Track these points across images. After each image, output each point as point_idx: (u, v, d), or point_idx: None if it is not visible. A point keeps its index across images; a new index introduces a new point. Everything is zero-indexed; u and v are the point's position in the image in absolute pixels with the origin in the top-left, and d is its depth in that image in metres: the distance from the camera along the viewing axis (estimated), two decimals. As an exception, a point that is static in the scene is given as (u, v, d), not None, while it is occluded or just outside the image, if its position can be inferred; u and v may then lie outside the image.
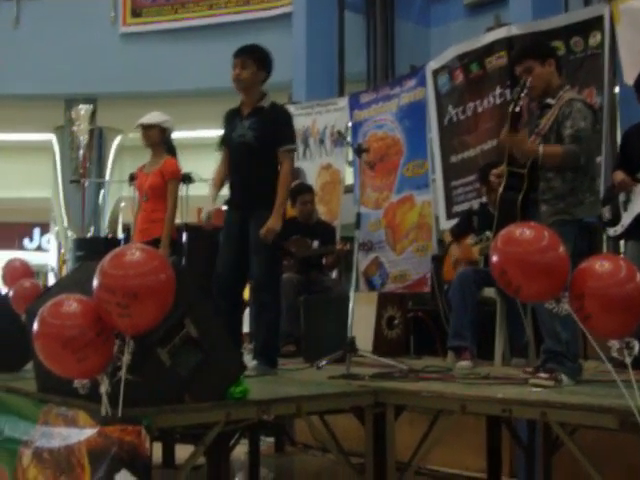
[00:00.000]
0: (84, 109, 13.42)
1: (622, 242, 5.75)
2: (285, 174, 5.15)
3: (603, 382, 4.04)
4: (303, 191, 7.48)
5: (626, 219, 5.18)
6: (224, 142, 5.39)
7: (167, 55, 12.16)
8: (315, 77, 10.29)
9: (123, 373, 3.06)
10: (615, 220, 5.26)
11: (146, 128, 6.26)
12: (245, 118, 5.23)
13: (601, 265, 3.32)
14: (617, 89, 6.52)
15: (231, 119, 5.32)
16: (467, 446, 5.43)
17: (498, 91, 7.05)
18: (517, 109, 4.41)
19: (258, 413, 3.80)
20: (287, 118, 5.31)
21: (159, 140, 6.27)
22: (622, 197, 5.19)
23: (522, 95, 4.42)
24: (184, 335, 3.49)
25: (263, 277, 5.15)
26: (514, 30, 7.01)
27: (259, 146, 5.14)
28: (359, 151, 5.99)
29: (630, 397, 3.06)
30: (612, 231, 5.34)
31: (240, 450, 5.85)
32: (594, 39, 6.42)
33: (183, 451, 4.76)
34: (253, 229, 5.09)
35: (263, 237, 5.02)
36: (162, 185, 6.14)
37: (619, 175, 5.20)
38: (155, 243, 5.76)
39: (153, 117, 6.29)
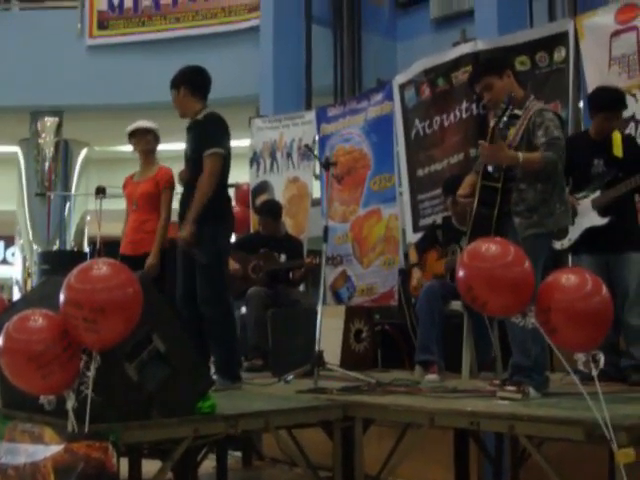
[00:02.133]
0: (50, 121, 13.31)
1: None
2: (203, 180, 5.05)
3: (570, 394, 4.06)
4: (265, 213, 7.54)
5: (574, 232, 5.24)
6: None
7: (133, 67, 12.11)
8: (282, 90, 10.30)
9: (89, 389, 3.04)
10: (561, 233, 5.29)
11: (142, 132, 6.18)
12: (187, 138, 5.33)
13: (567, 279, 3.36)
14: (582, 104, 6.58)
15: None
16: (435, 459, 5.43)
17: (464, 105, 7.08)
18: (500, 125, 4.45)
19: (226, 428, 3.79)
20: (215, 124, 5.23)
21: (153, 146, 6.21)
22: None
23: (505, 114, 4.44)
24: (151, 350, 3.48)
25: (204, 291, 5.12)
26: (480, 45, 7.05)
27: (195, 158, 5.17)
28: (327, 165, 6.01)
29: (596, 409, 3.08)
30: (559, 244, 5.37)
31: (207, 465, 5.82)
32: (559, 54, 6.47)
33: (150, 466, 4.73)
34: (194, 246, 5.10)
35: (179, 245, 5.06)
36: (156, 194, 6.03)
37: None
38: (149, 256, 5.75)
39: (148, 122, 6.23)
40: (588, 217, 5.16)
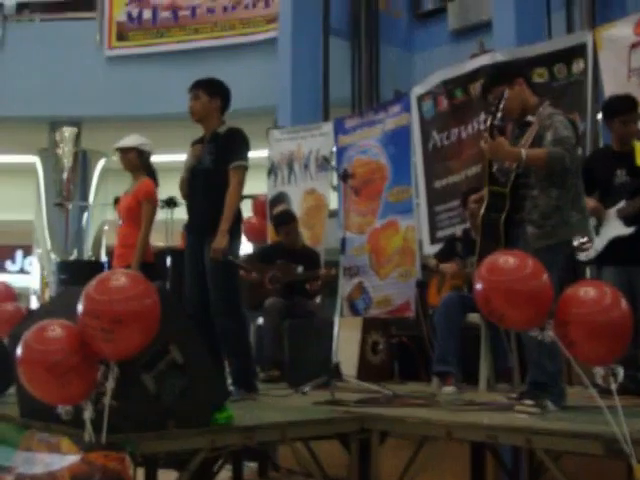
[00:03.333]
0: (68, 131, 13.38)
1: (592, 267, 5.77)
2: (232, 191, 5.13)
3: (588, 408, 4.04)
4: (285, 222, 7.52)
5: (599, 244, 5.20)
6: (185, 172, 5.42)
7: (152, 78, 12.17)
8: (300, 102, 10.31)
9: (107, 399, 3.05)
10: (585, 245, 5.28)
11: (123, 151, 6.23)
12: (204, 146, 5.33)
13: (585, 292, 3.35)
14: (600, 115, 6.56)
15: (195, 152, 5.40)
16: (452, 472, 5.40)
17: (482, 117, 7.07)
18: (495, 122, 4.43)
19: (242, 439, 3.79)
20: (240, 138, 5.31)
21: (137, 163, 6.22)
22: (593, 221, 5.22)
23: (499, 109, 4.43)
24: (169, 361, 3.48)
25: (219, 302, 5.15)
26: (498, 56, 7.04)
27: (215, 170, 5.22)
28: (345, 177, 6.01)
29: (615, 423, 3.06)
30: (584, 255, 5.36)
31: (224, 475, 5.81)
32: (577, 66, 6.47)
33: (165, 476, 4.73)
34: (207, 254, 5.11)
35: (212, 258, 5.03)
36: (137, 207, 6.06)
37: (590, 201, 5.23)
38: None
39: (130, 140, 6.26)
40: (613, 227, 5.12)
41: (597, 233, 5.21)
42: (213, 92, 5.36)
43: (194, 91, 5.37)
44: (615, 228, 5.11)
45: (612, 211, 5.13)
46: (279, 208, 8.78)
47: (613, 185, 5.15)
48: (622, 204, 5.10)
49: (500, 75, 4.76)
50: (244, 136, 5.33)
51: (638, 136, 5.28)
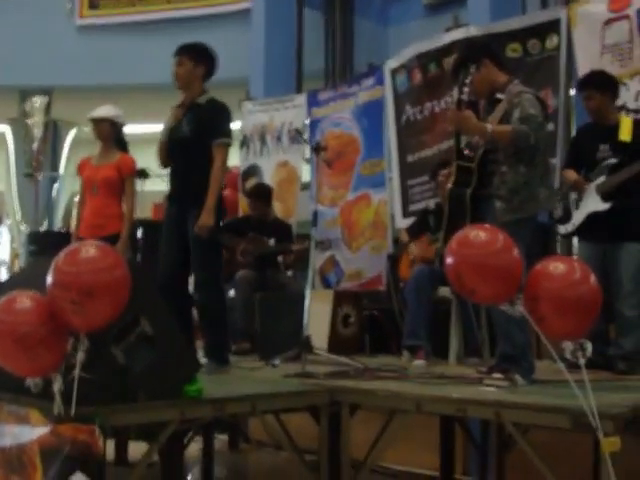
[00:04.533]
0: (39, 101, 13.25)
1: (575, 240, 5.82)
2: (217, 169, 5.09)
3: (556, 382, 4.07)
4: (255, 196, 7.55)
5: (577, 217, 5.23)
6: (163, 136, 5.35)
7: (124, 48, 12.05)
8: (273, 74, 10.25)
9: (77, 371, 3.03)
10: (566, 218, 5.31)
11: (97, 122, 6.22)
12: (183, 114, 5.25)
13: (555, 267, 3.37)
14: (572, 92, 6.58)
15: (174, 116, 5.31)
16: (421, 444, 5.45)
17: (455, 91, 7.07)
18: (463, 96, 4.46)
19: (213, 412, 3.79)
20: (223, 113, 5.25)
21: (110, 134, 6.22)
22: (574, 195, 5.25)
23: (466, 84, 4.47)
24: (139, 333, 3.47)
25: (202, 275, 5.14)
26: (472, 31, 7.03)
27: (195, 141, 5.15)
28: (317, 149, 5.99)
29: (583, 397, 3.09)
30: (563, 229, 5.40)
31: (194, 447, 5.83)
32: (551, 42, 6.46)
33: (136, 448, 4.73)
34: (191, 227, 5.07)
35: (197, 234, 5.00)
36: (117, 180, 6.08)
37: (572, 175, 5.26)
38: (111, 239, 5.66)
39: (104, 111, 6.25)
40: (591, 202, 5.13)
41: (577, 207, 5.23)
42: (198, 59, 5.25)
43: (178, 57, 5.25)
44: (593, 203, 5.12)
45: (592, 186, 5.14)
46: (252, 181, 8.76)
47: (596, 160, 5.16)
48: (601, 179, 5.11)
49: (467, 57, 4.77)
50: (228, 111, 5.27)
51: (599, 113, 5.28)
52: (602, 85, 5.26)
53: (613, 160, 5.08)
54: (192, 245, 5.10)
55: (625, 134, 5.10)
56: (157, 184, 6.07)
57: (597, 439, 3.11)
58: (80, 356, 3.06)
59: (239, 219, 8.09)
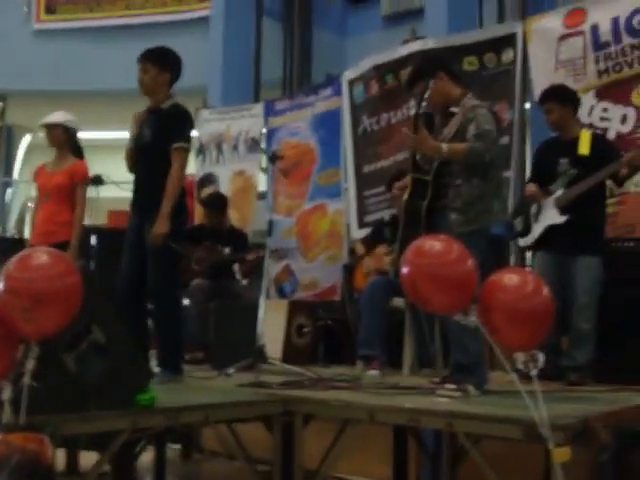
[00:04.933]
0: (-7, 105, 13.11)
1: (529, 255, 5.88)
2: (174, 174, 5.02)
3: (509, 393, 4.09)
4: (210, 205, 7.54)
5: (537, 230, 5.28)
6: (130, 142, 5.30)
7: (81, 54, 11.95)
8: (230, 82, 10.25)
9: (27, 379, 2.99)
10: (526, 231, 5.37)
11: (50, 128, 6.17)
12: (146, 120, 5.21)
13: (509, 278, 3.39)
14: (527, 105, 6.65)
15: (137, 122, 5.28)
16: (374, 455, 5.45)
17: (412, 103, 7.10)
18: (420, 111, 4.50)
19: (165, 421, 3.76)
20: (183, 117, 5.19)
21: (63, 140, 6.17)
22: (534, 209, 5.30)
23: (424, 99, 4.50)
24: (91, 341, 3.43)
25: (157, 284, 5.07)
26: (429, 43, 7.09)
27: (154, 146, 5.10)
28: (273, 158, 6.00)
29: (534, 408, 3.11)
30: (523, 242, 5.46)
31: (146, 457, 5.77)
32: (507, 56, 6.54)
33: (87, 458, 4.68)
34: (147, 234, 5.02)
35: (152, 242, 4.96)
36: (69, 187, 6.03)
37: (530, 187, 5.33)
38: (61, 247, 5.59)
39: (56, 116, 6.19)
40: (549, 215, 5.19)
41: (536, 220, 5.29)
42: (163, 64, 5.20)
43: (142, 63, 5.18)
44: (551, 216, 5.18)
45: (551, 199, 5.20)
46: (208, 190, 8.73)
47: (556, 173, 5.22)
48: (559, 192, 5.17)
49: (422, 70, 4.81)
50: (189, 116, 5.23)
51: (560, 126, 5.34)
52: (562, 98, 5.33)
53: (572, 173, 5.14)
54: (149, 254, 5.05)
55: (584, 148, 5.17)
56: (113, 191, 6.00)
57: (548, 450, 3.13)
58: (30, 364, 3.02)
59: (194, 227, 8.05)
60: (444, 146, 4.44)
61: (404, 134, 4.57)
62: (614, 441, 3.51)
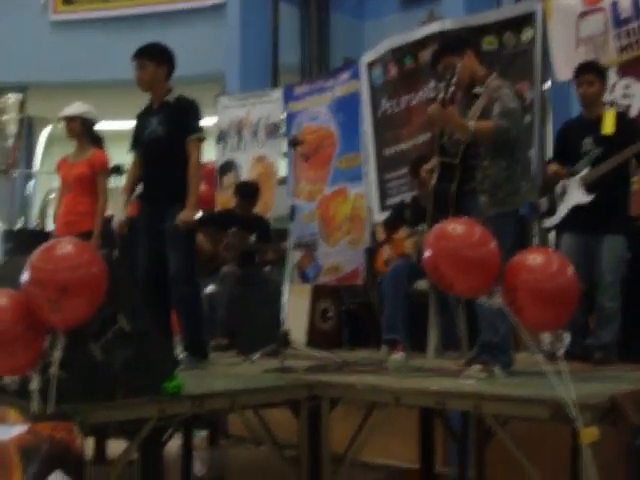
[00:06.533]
0: (13, 98, 13.12)
1: (552, 235, 5.84)
2: (194, 164, 5.13)
3: (535, 374, 4.08)
4: (243, 194, 7.54)
5: (562, 210, 5.25)
6: (135, 141, 5.38)
7: (99, 44, 11.95)
8: (249, 68, 10.22)
9: (54, 369, 3.01)
10: (551, 211, 5.34)
11: (68, 120, 6.22)
12: (153, 115, 5.27)
13: (533, 258, 3.38)
14: (547, 85, 6.60)
15: (142, 118, 5.36)
16: (400, 437, 5.47)
17: (431, 85, 7.08)
18: (447, 96, 4.46)
19: (192, 408, 3.78)
20: (193, 109, 5.27)
21: (82, 131, 6.22)
22: (559, 189, 5.27)
23: (451, 84, 4.47)
24: (117, 330, 3.45)
25: (180, 271, 5.12)
26: (447, 24, 7.05)
27: (169, 140, 5.16)
28: (294, 143, 5.99)
29: (561, 388, 3.11)
30: (548, 222, 5.43)
31: (173, 444, 5.80)
32: (526, 35, 6.48)
33: (114, 445, 4.71)
34: (169, 224, 5.08)
35: (179, 228, 5.01)
36: (90, 177, 6.09)
37: (553, 166, 5.30)
38: (83, 237, 5.61)
39: (74, 108, 6.24)
40: (575, 195, 5.16)
41: (561, 200, 5.26)
42: (159, 60, 5.26)
43: (139, 60, 5.25)
44: (576, 196, 5.15)
45: (576, 179, 5.16)
46: (230, 177, 8.75)
47: (580, 153, 5.19)
48: (585, 172, 5.14)
49: (450, 46, 4.79)
50: (198, 107, 5.29)
51: (594, 100, 5.28)
52: (602, 73, 5.30)
53: (596, 152, 5.10)
54: (170, 242, 5.10)
55: (608, 127, 5.13)
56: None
57: (574, 430, 3.13)
58: (57, 354, 3.04)
59: (223, 212, 8.08)
60: (471, 123, 4.42)
61: (432, 109, 4.53)
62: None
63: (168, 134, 5.17)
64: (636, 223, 5.40)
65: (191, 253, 5.24)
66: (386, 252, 6.29)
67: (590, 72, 5.27)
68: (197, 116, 5.26)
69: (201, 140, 5.21)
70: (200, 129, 5.24)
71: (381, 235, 6.51)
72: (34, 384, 3.06)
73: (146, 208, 5.29)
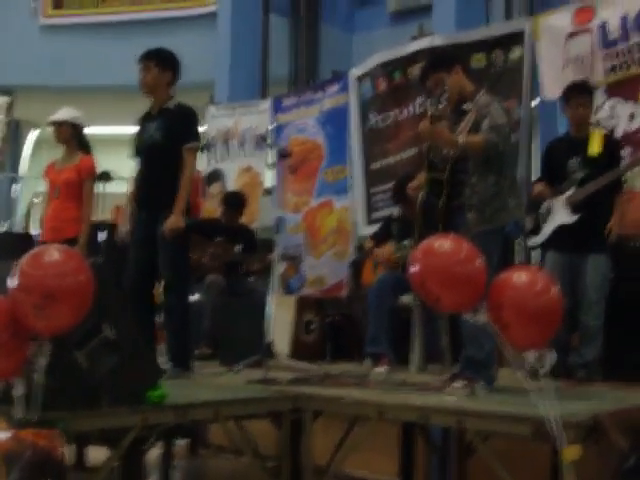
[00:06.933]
0: (0, 100, 13.10)
1: (536, 253, 5.88)
2: (187, 172, 5.13)
3: (518, 390, 4.09)
4: (230, 204, 7.52)
5: (547, 229, 5.30)
6: (136, 147, 5.37)
7: (88, 49, 11.94)
8: (238, 78, 10.24)
9: (39, 376, 3.01)
10: (536, 230, 5.38)
11: (57, 125, 6.21)
12: (152, 120, 5.27)
13: (519, 276, 3.40)
14: (535, 102, 6.64)
15: (142, 123, 5.36)
16: (382, 451, 5.46)
17: (419, 100, 7.11)
18: (436, 113, 4.48)
19: (175, 418, 3.78)
20: (192, 117, 5.28)
21: (71, 137, 6.21)
22: (544, 209, 5.31)
23: (441, 102, 4.49)
24: (102, 338, 3.44)
25: (171, 278, 5.14)
26: (437, 40, 7.08)
27: (167, 146, 5.16)
28: (282, 155, 6.00)
29: (543, 406, 3.12)
30: (532, 241, 5.47)
31: (154, 452, 5.78)
32: (514, 53, 6.53)
33: (94, 452, 4.69)
34: (160, 230, 5.07)
35: (166, 236, 5.01)
36: (77, 182, 6.08)
37: (538, 186, 5.35)
38: (69, 243, 5.60)
39: (63, 113, 6.24)
40: (560, 214, 5.22)
41: (545, 220, 5.30)
42: (165, 65, 5.27)
43: (145, 62, 5.25)
44: (562, 216, 5.20)
45: (562, 198, 5.22)
46: (216, 186, 8.74)
47: (566, 173, 5.23)
48: (571, 192, 5.18)
49: (439, 62, 4.81)
50: (196, 115, 5.31)
51: (585, 121, 5.33)
52: (592, 93, 5.35)
53: (581, 174, 5.15)
54: (161, 248, 5.10)
55: (595, 148, 5.18)
56: (120, 186, 6.03)
57: (555, 447, 3.14)
58: (42, 361, 3.03)
59: (209, 221, 8.06)
60: (461, 138, 4.44)
61: (421, 126, 4.55)
62: (635, 445, 3.49)
63: (165, 140, 5.17)
64: (621, 242, 5.44)
65: (182, 262, 5.22)
66: (379, 254, 6.28)
67: (584, 93, 5.32)
68: (195, 124, 5.29)
69: (197, 149, 5.24)
70: (197, 137, 5.28)
71: (370, 245, 6.53)
72: (18, 391, 3.05)
73: (142, 214, 5.29)
